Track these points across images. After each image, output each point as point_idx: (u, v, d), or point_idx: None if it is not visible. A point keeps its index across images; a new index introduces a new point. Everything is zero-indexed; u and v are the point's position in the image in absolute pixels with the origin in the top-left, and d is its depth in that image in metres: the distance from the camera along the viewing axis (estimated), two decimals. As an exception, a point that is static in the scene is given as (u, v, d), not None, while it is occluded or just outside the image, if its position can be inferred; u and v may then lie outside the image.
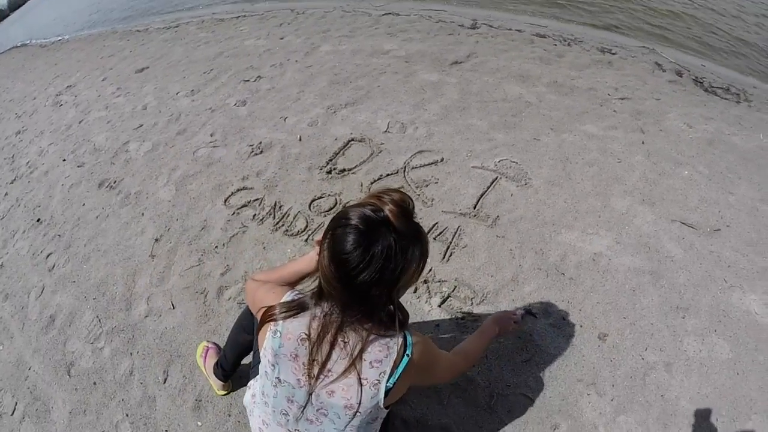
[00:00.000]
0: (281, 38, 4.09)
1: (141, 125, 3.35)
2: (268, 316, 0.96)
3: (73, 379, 2.03)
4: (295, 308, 0.93)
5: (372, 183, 2.29)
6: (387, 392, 0.90)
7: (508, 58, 3.19)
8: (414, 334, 0.96)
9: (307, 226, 2.19)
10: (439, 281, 1.82)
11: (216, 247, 2.25)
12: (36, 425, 1.94)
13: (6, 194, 3.18)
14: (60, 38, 7.03)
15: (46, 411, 1.98)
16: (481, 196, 2.10)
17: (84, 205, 2.79)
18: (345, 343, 0.88)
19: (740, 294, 1.69)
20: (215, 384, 1.72)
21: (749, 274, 1.74)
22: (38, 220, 2.80)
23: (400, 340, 0.91)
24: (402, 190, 0.94)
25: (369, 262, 0.80)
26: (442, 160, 2.34)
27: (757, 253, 1.81)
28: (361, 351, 0.87)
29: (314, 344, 0.88)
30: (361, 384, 0.88)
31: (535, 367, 1.55)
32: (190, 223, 2.41)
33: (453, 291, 1.77)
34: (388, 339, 0.90)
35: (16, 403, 2.03)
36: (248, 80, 3.50)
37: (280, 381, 0.94)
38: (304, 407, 0.93)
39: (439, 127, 2.57)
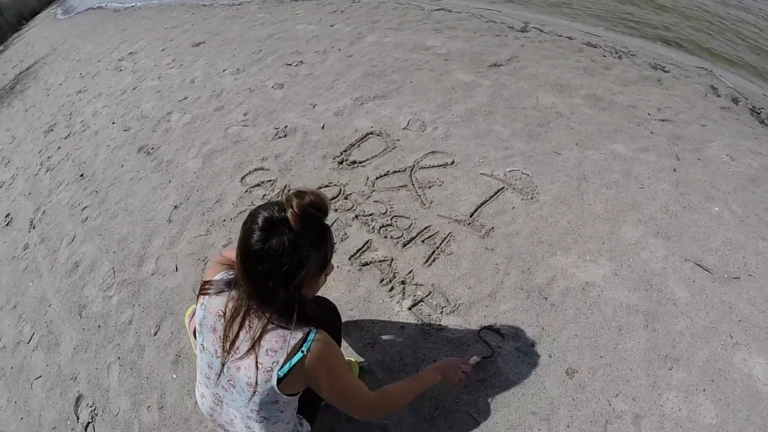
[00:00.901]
0: (331, 25, 4.29)
1: (186, 98, 3.71)
2: (202, 289, 1.13)
3: (83, 320, 2.36)
4: (222, 287, 1.09)
5: (378, 178, 2.39)
6: (280, 380, 1.01)
7: (550, 65, 3.11)
8: (321, 338, 1.04)
9: (307, 213, 2.34)
10: (416, 284, 1.88)
11: (224, 220, 2.48)
12: (45, 355, 2.30)
13: (59, 148, 3.69)
14: (133, 5, 7.83)
15: (56, 344, 2.33)
16: (481, 204, 2.12)
17: (122, 166, 3.17)
18: (250, 327, 1.01)
19: (745, 354, 1.58)
20: (194, 344, 1.94)
21: (761, 333, 1.62)
22: (81, 175, 3.24)
23: (299, 335, 1.02)
24: (321, 192, 1.03)
25: (263, 256, 0.93)
26: (452, 163, 2.39)
27: (778, 311, 1.69)
28: (259, 338, 1.00)
29: (227, 322, 1.03)
30: (257, 367, 1.01)
31: (489, 388, 1.57)
32: (207, 195, 2.66)
33: (426, 296, 1.83)
34: (286, 332, 1.01)
35: (33, 334, 2.41)
36: (290, 64, 3.73)
37: (203, 348, 1.11)
38: (219, 375, 1.08)
39: (458, 129, 2.60)
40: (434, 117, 2.72)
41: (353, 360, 1.71)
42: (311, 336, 1.03)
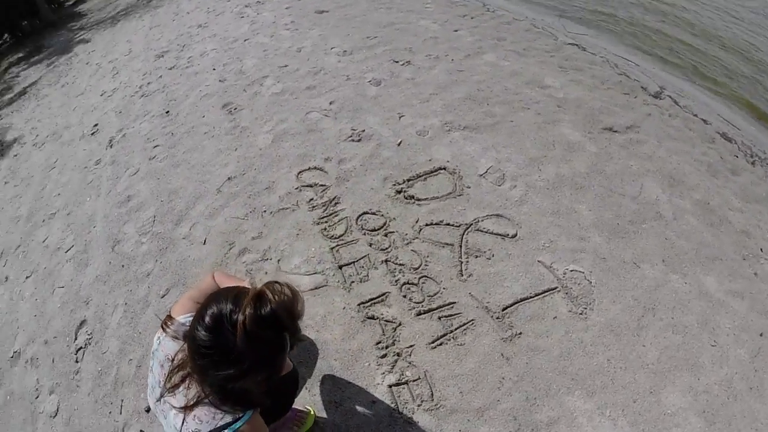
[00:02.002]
0: (455, 30, 4.18)
1: (286, 66, 3.87)
2: (164, 323, 1.19)
3: (112, 254, 2.62)
4: (179, 334, 1.15)
5: (427, 225, 2.31)
6: None
7: (671, 149, 2.74)
8: (247, 428, 1.06)
9: (343, 235, 2.34)
10: (410, 363, 1.81)
11: (264, 211, 2.57)
12: (74, 270, 2.61)
13: (160, 77, 4.07)
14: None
15: (85, 265, 2.62)
16: (521, 300, 1.96)
17: (203, 117, 3.41)
18: (189, 387, 1.05)
19: None
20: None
21: None
22: (167, 112, 3.55)
23: (229, 418, 1.04)
24: (295, 296, 1.02)
25: (203, 354, 0.96)
26: (513, 236, 2.23)
27: None
28: (191, 406, 1.04)
29: (171, 370, 1.08)
30: (183, 424, 1.04)
31: None
32: (261, 178, 2.78)
33: (413, 381, 1.75)
34: (218, 412, 1.04)
35: (72, 246, 2.73)
36: (397, 61, 3.71)
37: (152, 371, 1.17)
38: (158, 399, 1.14)
39: (538, 196, 2.41)
40: (518, 172, 2.55)
41: (312, 410, 1.71)
42: (240, 423, 1.04)
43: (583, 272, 2.09)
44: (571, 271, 2.10)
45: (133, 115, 3.74)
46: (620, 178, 2.54)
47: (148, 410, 1.99)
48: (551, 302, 1.98)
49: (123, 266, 2.57)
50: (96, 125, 3.91)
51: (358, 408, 1.73)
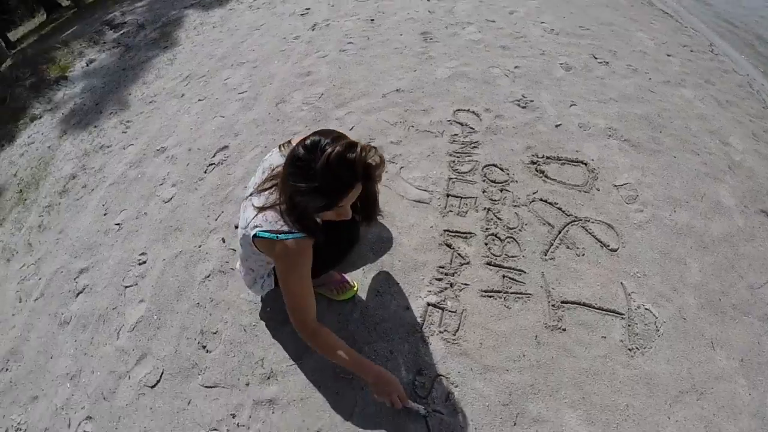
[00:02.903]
0: (667, 55, 3.96)
1: (493, 21, 4.13)
2: (282, 144, 1.71)
3: (275, 109, 3.37)
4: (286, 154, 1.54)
5: (540, 200, 2.50)
6: (255, 237, 1.54)
7: None
8: (296, 244, 1.47)
9: (466, 173, 2.66)
10: (455, 296, 2.12)
11: (412, 126, 2.98)
12: (238, 108, 3.37)
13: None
14: None
15: (249, 108, 3.43)
16: (584, 305, 2.09)
17: (401, 35, 3.88)
18: (270, 195, 1.53)
19: None
20: None
21: None
22: (372, 20, 4.09)
23: (286, 228, 1.48)
24: (379, 159, 1.41)
25: (291, 163, 1.38)
26: (613, 249, 2.30)
27: None
28: (267, 208, 1.51)
29: (267, 177, 1.61)
30: (253, 218, 1.56)
31: None
32: (423, 101, 3.18)
33: (449, 311, 2.06)
34: (281, 220, 1.48)
35: (246, 91, 3.46)
36: (596, 58, 3.74)
37: (255, 175, 1.74)
38: (246, 198, 1.68)
39: (659, 231, 2.39)
40: (652, 201, 2.53)
41: (356, 287, 2.14)
42: (291, 237, 1.48)
43: (657, 318, 2.09)
44: (646, 309, 2.12)
45: (342, 12, 4.41)
46: (749, 263, 2.39)
47: (236, 227, 2.61)
48: (610, 323, 2.06)
49: (278, 120, 3.23)
50: (308, 9, 4.69)
51: (392, 305, 2.10)
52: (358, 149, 1.33)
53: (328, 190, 1.35)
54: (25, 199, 4.11)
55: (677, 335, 2.06)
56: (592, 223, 2.44)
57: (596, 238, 2.37)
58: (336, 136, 1.36)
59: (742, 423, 1.83)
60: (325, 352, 1.63)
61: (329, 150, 1.29)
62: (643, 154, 2.87)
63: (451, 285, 2.16)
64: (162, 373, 2.19)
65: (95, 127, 4.47)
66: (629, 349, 1.98)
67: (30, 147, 4.92)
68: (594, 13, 4.53)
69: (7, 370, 2.63)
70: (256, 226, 1.54)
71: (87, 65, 5.77)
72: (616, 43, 4.03)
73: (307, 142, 1.35)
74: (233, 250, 2.55)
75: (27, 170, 4.55)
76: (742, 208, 2.70)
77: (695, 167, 2.87)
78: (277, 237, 1.49)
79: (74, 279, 2.91)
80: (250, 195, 1.64)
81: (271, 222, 1.51)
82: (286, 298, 1.62)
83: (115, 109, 4.61)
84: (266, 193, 1.56)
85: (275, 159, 1.65)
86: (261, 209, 1.54)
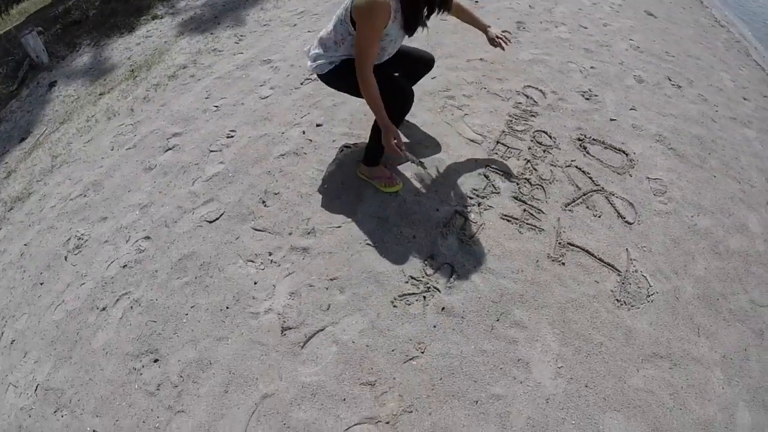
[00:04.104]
0: (743, 98, 4.23)
1: (585, 27, 4.55)
2: None
3: None
4: None
5: (576, 167, 2.89)
6: (352, 10, 2.04)
7: None
8: (378, 5, 1.94)
9: (518, 132, 3.13)
10: (479, 213, 2.60)
11: (484, 88, 3.47)
12: None
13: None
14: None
15: None
16: (586, 252, 2.47)
17: (498, 19, 4.40)
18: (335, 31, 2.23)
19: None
20: None
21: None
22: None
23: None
24: None
25: None
26: (628, 222, 2.67)
27: None
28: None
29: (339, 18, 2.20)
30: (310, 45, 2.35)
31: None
32: (499, 70, 3.63)
33: (470, 221, 2.54)
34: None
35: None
36: (671, 80, 4.06)
37: (331, 19, 2.31)
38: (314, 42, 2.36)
39: (677, 224, 2.71)
40: (679, 200, 2.83)
41: (401, 184, 2.67)
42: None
43: (651, 287, 2.39)
44: (644, 276, 2.42)
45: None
46: (758, 282, 2.59)
47: (318, 125, 3.16)
48: (606, 274, 2.40)
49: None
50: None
51: (426, 204, 2.59)
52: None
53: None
54: (136, 76, 4.91)
55: (666, 308, 2.31)
56: (616, 197, 2.80)
57: (615, 209, 2.73)
58: None
59: (709, 409, 1.97)
60: (365, 92, 2.14)
61: None
62: (684, 165, 3.17)
63: (479, 204, 2.62)
64: (222, 213, 2.76)
65: (211, 34, 5.26)
66: (617, 300, 2.30)
67: (147, 39, 5.78)
68: (685, 45, 4.82)
69: (85, 196, 3.28)
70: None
71: (212, -16, 6.65)
72: (695, 74, 4.31)
73: None
74: (310, 140, 3.15)
75: (141, 56, 5.39)
76: (767, 237, 2.88)
77: (732, 191, 3.11)
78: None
79: (167, 139, 3.56)
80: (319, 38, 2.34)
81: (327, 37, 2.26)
82: (356, 48, 2.08)
83: (231, 24, 5.38)
84: (331, 30, 2.22)
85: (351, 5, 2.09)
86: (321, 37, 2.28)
